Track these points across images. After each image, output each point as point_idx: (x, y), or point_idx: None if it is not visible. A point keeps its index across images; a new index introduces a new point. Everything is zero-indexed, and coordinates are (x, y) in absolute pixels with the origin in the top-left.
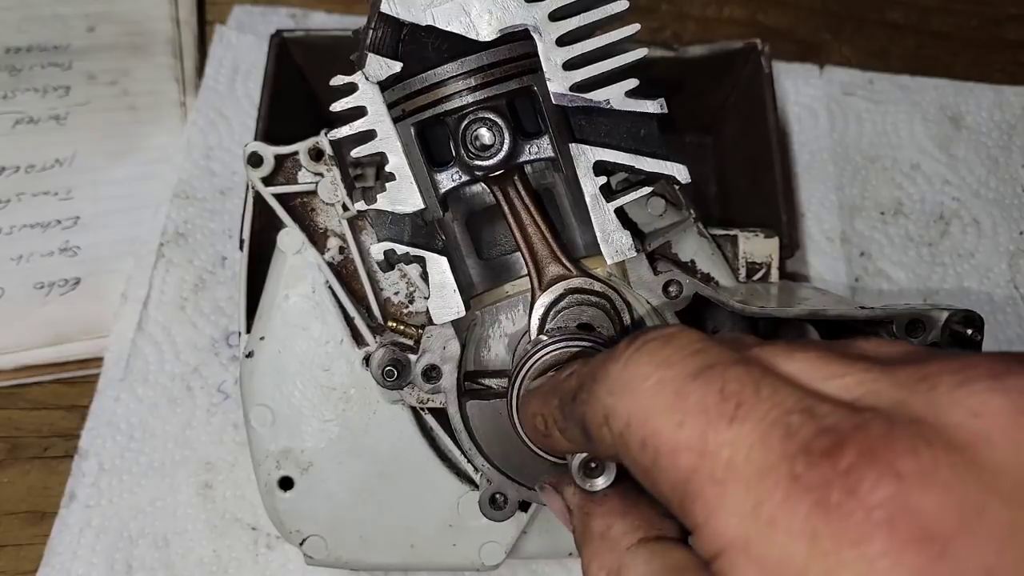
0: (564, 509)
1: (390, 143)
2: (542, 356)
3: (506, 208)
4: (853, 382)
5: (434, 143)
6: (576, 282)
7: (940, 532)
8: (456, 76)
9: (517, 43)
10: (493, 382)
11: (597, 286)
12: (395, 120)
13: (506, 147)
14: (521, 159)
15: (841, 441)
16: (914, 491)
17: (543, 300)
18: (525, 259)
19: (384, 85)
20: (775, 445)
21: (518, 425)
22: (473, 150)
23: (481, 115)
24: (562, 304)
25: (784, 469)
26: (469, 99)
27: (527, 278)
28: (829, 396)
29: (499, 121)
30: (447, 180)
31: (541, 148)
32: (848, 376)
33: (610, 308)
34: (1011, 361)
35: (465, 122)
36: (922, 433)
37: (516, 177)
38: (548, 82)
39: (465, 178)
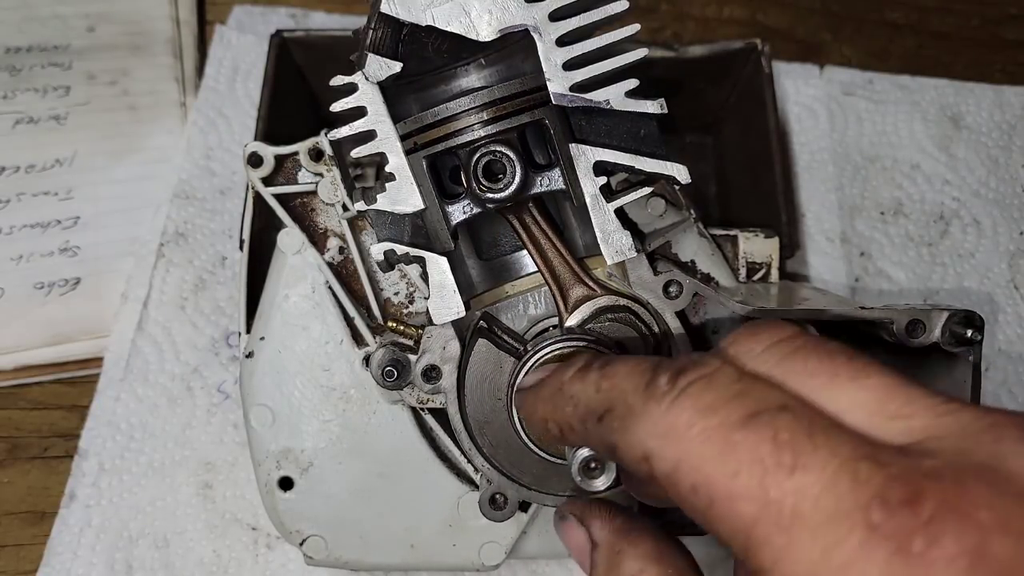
0: (586, 544)
1: (390, 143)
2: (544, 355)
3: (524, 236)
4: (918, 425)
5: (443, 170)
6: (602, 301)
7: None
8: (468, 110)
9: (528, 76)
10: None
11: (623, 302)
12: (407, 152)
13: (518, 179)
14: (533, 191)
15: (919, 491)
16: (994, 540)
17: (571, 323)
18: (548, 283)
19: (396, 117)
20: (845, 493)
21: (518, 424)
22: (485, 183)
23: (493, 148)
24: (590, 326)
25: (859, 517)
26: (481, 132)
27: (528, 278)
28: (887, 443)
29: (510, 154)
30: (459, 212)
31: (552, 180)
32: (914, 419)
33: (638, 322)
34: None
35: (477, 155)
36: (995, 483)
37: (530, 204)
38: (548, 82)
39: (477, 210)
